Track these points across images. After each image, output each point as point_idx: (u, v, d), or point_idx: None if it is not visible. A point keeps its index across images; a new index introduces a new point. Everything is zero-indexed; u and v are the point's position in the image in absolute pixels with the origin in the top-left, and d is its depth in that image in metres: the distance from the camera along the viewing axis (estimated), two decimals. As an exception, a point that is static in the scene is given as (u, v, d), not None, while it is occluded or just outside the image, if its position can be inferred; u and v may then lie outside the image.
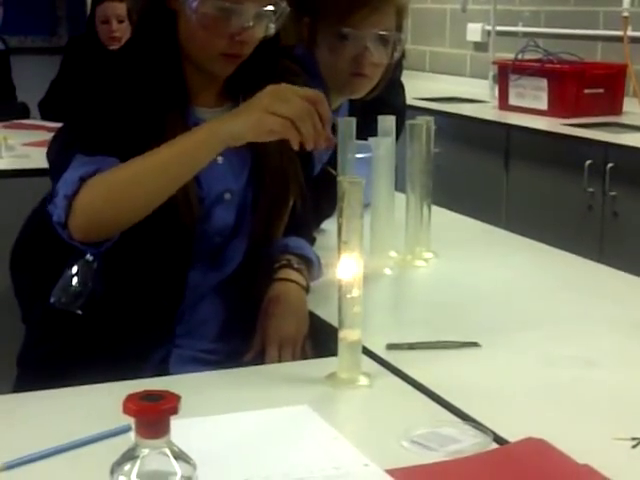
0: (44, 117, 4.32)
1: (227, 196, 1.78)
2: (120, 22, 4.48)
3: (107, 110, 1.69)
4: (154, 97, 1.71)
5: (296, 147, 1.55)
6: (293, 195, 1.85)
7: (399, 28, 2.18)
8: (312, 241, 2.00)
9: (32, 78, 4.98)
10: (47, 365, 1.77)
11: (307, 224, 1.98)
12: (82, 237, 1.62)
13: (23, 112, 4.38)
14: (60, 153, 1.69)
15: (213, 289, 1.80)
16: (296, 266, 1.82)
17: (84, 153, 1.64)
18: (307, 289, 1.82)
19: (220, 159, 1.75)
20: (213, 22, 1.68)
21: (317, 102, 1.55)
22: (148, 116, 1.69)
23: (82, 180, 1.60)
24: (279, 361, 1.69)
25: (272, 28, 1.74)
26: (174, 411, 0.95)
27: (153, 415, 0.94)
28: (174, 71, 1.74)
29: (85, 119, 1.71)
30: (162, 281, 1.73)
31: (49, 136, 3.28)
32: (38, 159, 3.05)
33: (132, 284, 1.74)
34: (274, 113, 1.53)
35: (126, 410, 0.95)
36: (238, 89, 1.81)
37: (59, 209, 1.61)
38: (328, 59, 2.17)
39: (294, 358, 1.71)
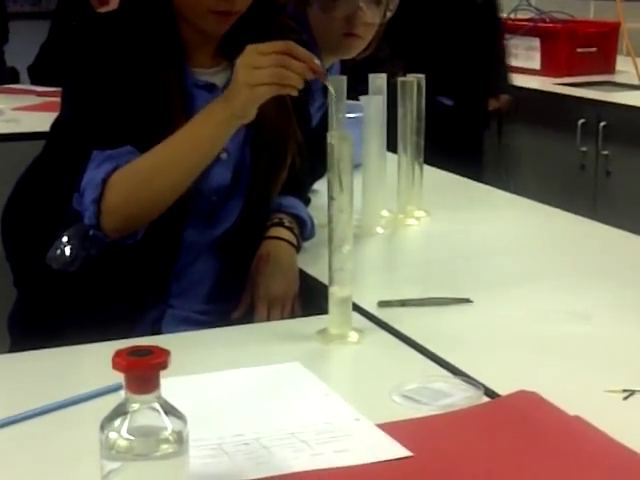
0: (34, 81, 4.28)
1: (223, 155, 1.76)
2: (109, -16, 4.44)
3: (108, 91, 1.68)
4: (150, 57, 1.70)
5: (294, 92, 1.55)
6: (291, 154, 1.84)
7: None
8: (307, 201, 2.00)
9: (21, 43, 4.94)
10: (38, 325, 1.76)
11: (303, 184, 1.98)
12: (117, 235, 1.67)
13: (12, 77, 4.34)
14: (75, 148, 1.71)
15: (208, 249, 1.79)
16: (287, 224, 1.82)
17: (99, 148, 1.66)
18: (298, 248, 1.82)
19: None
20: None
21: (288, 49, 1.54)
22: (146, 78, 1.68)
23: (104, 181, 1.62)
24: (268, 320, 1.70)
25: None
26: (163, 365, 0.95)
27: (142, 370, 0.94)
28: (169, 30, 1.72)
29: (91, 109, 1.70)
30: (157, 239, 1.72)
31: (39, 100, 3.24)
32: (28, 123, 3.03)
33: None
34: (255, 82, 1.53)
35: (115, 365, 0.95)
36: (234, 48, 1.79)
37: (89, 212, 1.64)
38: (320, 19, 2.15)
39: (283, 317, 1.71)
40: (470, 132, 3.97)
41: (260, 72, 1.53)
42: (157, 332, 1.71)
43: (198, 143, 1.63)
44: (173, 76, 1.71)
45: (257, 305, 1.72)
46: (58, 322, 1.73)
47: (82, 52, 1.74)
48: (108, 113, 1.67)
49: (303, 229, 1.88)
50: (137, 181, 1.64)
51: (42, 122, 2.36)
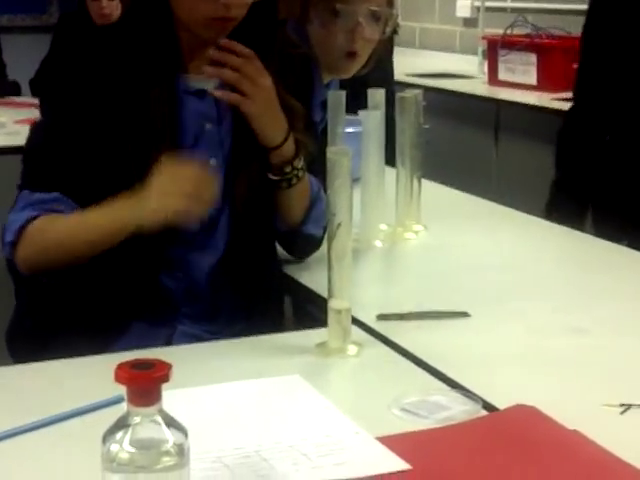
0: (35, 95, 4.31)
1: (212, 162, 1.75)
2: (110, -1, 4.48)
3: (66, 124, 1.71)
4: (143, 67, 1.70)
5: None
6: None
7: (390, 4, 2.18)
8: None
9: (23, 56, 4.96)
10: (35, 338, 1.77)
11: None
12: (31, 273, 1.74)
13: (14, 90, 4.36)
14: (23, 173, 1.75)
15: (215, 268, 1.78)
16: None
17: (29, 189, 1.71)
18: (291, 151, 1.79)
19: (209, 126, 1.75)
20: None
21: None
22: (133, 94, 1.69)
23: (21, 229, 1.68)
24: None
25: None
26: (165, 379, 0.95)
27: (144, 383, 0.94)
28: (167, 39, 1.72)
29: (40, 142, 1.74)
30: (153, 261, 1.73)
31: (40, 114, 3.19)
32: (29, 136, 3.05)
33: (126, 265, 1.73)
34: (165, 208, 1.58)
35: (117, 378, 0.95)
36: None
37: (6, 252, 1.72)
38: (320, 35, 2.16)
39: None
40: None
41: (171, 199, 1.58)
42: (172, 334, 1.73)
43: (106, 227, 1.65)
44: (163, 87, 1.71)
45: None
46: (54, 334, 1.73)
47: (62, 70, 1.74)
48: (53, 151, 1.70)
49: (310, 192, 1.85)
50: (48, 240, 1.69)
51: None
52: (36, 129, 1.80)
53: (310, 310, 1.75)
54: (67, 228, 1.69)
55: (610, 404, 1.30)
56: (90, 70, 1.70)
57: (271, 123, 1.75)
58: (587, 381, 1.40)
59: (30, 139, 1.79)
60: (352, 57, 2.17)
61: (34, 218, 1.69)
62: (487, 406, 1.29)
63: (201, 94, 1.76)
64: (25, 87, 4.57)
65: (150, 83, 1.70)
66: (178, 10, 1.71)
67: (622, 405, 1.30)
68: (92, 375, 1.36)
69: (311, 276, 1.84)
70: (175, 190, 1.58)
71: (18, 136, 3.15)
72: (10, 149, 3.02)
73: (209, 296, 1.79)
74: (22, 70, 4.66)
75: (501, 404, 1.29)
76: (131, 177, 1.64)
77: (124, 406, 0.96)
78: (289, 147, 1.77)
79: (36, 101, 3.85)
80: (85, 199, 1.69)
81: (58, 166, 1.70)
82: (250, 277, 1.81)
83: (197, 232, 1.74)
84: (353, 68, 2.21)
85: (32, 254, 1.70)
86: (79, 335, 1.67)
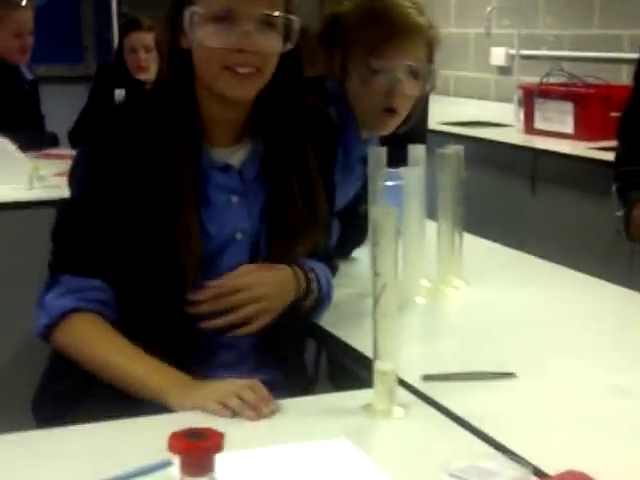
0: (74, 146, 4.35)
1: (238, 236, 1.79)
2: (147, 52, 4.53)
3: (101, 207, 1.73)
4: (166, 143, 1.73)
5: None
6: (312, 232, 1.84)
7: (430, 60, 2.18)
8: (334, 269, 2.01)
9: (60, 106, 5.01)
10: (58, 404, 1.77)
11: (327, 252, 1.96)
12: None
13: (53, 142, 4.41)
14: (56, 252, 1.78)
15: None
16: (304, 271, 1.83)
17: (69, 272, 1.73)
18: (305, 297, 1.83)
19: (235, 199, 1.78)
20: (214, 35, 1.69)
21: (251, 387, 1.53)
22: (158, 170, 1.72)
23: (59, 317, 1.71)
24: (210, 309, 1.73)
25: (280, 41, 1.71)
26: (219, 449, 0.96)
27: (199, 453, 0.95)
28: (189, 110, 1.75)
29: (72, 227, 1.76)
30: (174, 329, 1.76)
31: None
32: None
33: (146, 331, 1.75)
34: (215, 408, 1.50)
35: (171, 448, 0.96)
36: (259, 124, 1.81)
37: (40, 327, 1.74)
38: (360, 92, 2.17)
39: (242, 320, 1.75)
40: None
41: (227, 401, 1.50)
42: None
43: (129, 384, 1.64)
44: (188, 160, 1.73)
45: (223, 285, 1.75)
46: (78, 400, 1.72)
47: (92, 153, 1.78)
48: (86, 230, 1.73)
49: (320, 289, 1.86)
50: (79, 349, 1.71)
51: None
52: (66, 207, 1.82)
53: (355, 369, 1.74)
54: (99, 357, 1.68)
55: (661, 469, 1.28)
56: (119, 149, 1.74)
57: (283, 299, 1.79)
58: (636, 446, 1.38)
59: (61, 217, 1.81)
60: (391, 114, 2.18)
61: (75, 310, 1.71)
62: (537, 471, 1.28)
63: (225, 169, 1.79)
64: (63, 138, 4.62)
65: (174, 161, 1.72)
66: (200, 71, 1.73)
67: (673, 470, 1.28)
68: (132, 438, 1.37)
69: (355, 334, 1.83)
70: (230, 396, 1.50)
71: (59, 189, 3.16)
72: (51, 202, 3.04)
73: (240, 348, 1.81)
74: (59, 121, 4.71)
75: (551, 469, 1.28)
76: (158, 254, 1.70)
77: (171, 471, 0.96)
78: (301, 290, 1.82)
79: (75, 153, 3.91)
80: (118, 275, 1.74)
81: (94, 247, 1.73)
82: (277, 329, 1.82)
83: None
84: (392, 125, 2.21)
85: (63, 346, 1.73)
86: (106, 400, 1.66)
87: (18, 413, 1.79)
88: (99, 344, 1.70)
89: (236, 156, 1.80)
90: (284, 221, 1.80)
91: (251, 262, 1.79)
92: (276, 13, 1.70)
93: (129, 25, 4.71)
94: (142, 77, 4.47)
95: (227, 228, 1.77)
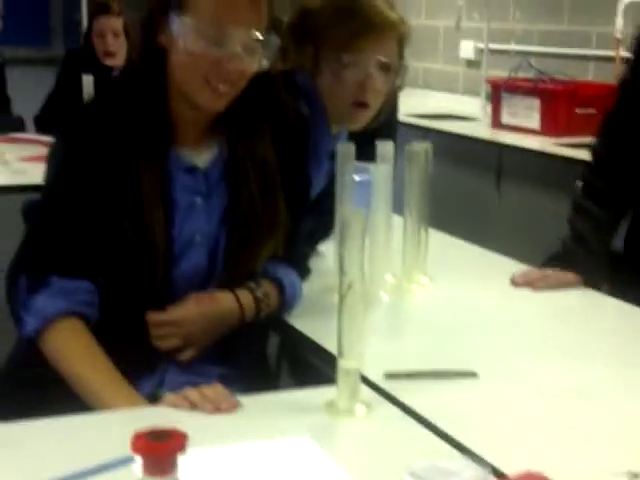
0: (39, 131, 4.32)
1: (197, 239, 1.79)
2: (116, 37, 4.49)
3: (77, 204, 1.74)
4: (132, 148, 1.74)
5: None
6: (271, 235, 1.84)
7: (400, 56, 2.19)
8: (305, 272, 2.00)
9: (26, 90, 4.98)
10: (19, 396, 1.77)
11: (297, 254, 1.96)
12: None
13: (19, 126, 4.38)
14: (34, 253, 1.77)
15: None
16: (257, 294, 1.84)
17: (56, 273, 1.72)
18: (258, 314, 1.84)
19: (199, 200, 1.79)
20: (203, 49, 1.70)
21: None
22: (125, 172, 1.73)
23: (49, 321, 1.71)
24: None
25: (262, 61, 1.75)
26: (182, 449, 0.96)
27: (161, 454, 0.95)
28: (159, 113, 1.76)
29: (50, 227, 1.76)
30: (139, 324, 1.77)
31: (46, 151, 3.26)
32: (35, 174, 3.05)
33: (118, 322, 1.77)
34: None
35: (134, 448, 0.96)
36: (224, 124, 1.82)
37: (28, 328, 1.71)
38: (330, 86, 2.18)
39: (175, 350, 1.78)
40: None
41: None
42: (162, 382, 1.76)
43: (91, 398, 1.64)
44: (155, 162, 1.75)
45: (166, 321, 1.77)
46: (40, 390, 1.73)
47: (61, 150, 1.80)
48: (70, 235, 1.73)
49: (282, 296, 1.88)
50: (60, 357, 1.70)
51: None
52: (42, 208, 1.81)
53: (319, 365, 1.75)
54: (75, 367, 1.69)
55: (618, 472, 1.30)
56: (89, 149, 1.74)
57: (211, 334, 1.81)
58: (595, 447, 1.40)
59: (39, 218, 1.80)
60: (362, 108, 2.19)
61: (66, 314, 1.71)
62: (496, 472, 1.30)
63: (191, 170, 1.80)
64: (29, 122, 4.59)
65: (142, 162, 1.74)
66: (176, 76, 1.74)
67: (630, 473, 1.30)
68: (93, 433, 1.38)
69: (321, 331, 1.83)
70: (189, 390, 1.52)
71: (24, 174, 3.15)
72: (16, 188, 3.02)
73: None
74: (26, 104, 4.67)
75: (509, 469, 1.29)
76: (128, 252, 1.72)
77: (133, 468, 0.97)
78: (250, 315, 1.83)
79: (41, 138, 3.89)
80: (97, 272, 1.75)
81: (76, 246, 1.73)
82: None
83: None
84: (362, 119, 2.22)
85: (47, 352, 1.72)
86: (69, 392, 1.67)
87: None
88: (76, 361, 1.70)
89: (202, 157, 1.81)
90: (243, 225, 1.81)
91: (210, 265, 1.80)
92: (261, 37, 1.72)
93: (98, 9, 4.68)
94: (109, 63, 4.45)
95: (187, 230, 1.78)
